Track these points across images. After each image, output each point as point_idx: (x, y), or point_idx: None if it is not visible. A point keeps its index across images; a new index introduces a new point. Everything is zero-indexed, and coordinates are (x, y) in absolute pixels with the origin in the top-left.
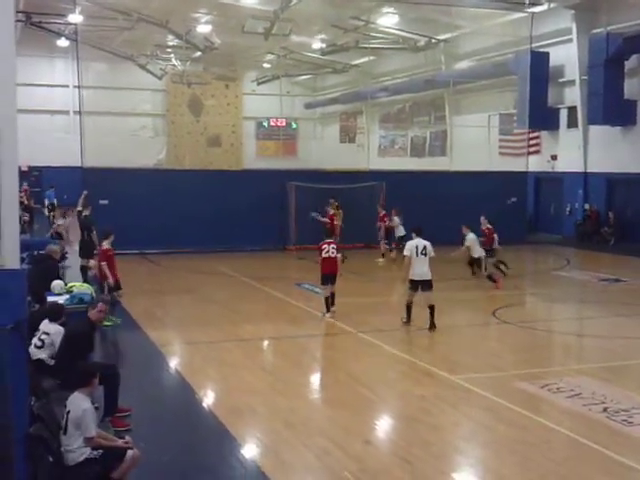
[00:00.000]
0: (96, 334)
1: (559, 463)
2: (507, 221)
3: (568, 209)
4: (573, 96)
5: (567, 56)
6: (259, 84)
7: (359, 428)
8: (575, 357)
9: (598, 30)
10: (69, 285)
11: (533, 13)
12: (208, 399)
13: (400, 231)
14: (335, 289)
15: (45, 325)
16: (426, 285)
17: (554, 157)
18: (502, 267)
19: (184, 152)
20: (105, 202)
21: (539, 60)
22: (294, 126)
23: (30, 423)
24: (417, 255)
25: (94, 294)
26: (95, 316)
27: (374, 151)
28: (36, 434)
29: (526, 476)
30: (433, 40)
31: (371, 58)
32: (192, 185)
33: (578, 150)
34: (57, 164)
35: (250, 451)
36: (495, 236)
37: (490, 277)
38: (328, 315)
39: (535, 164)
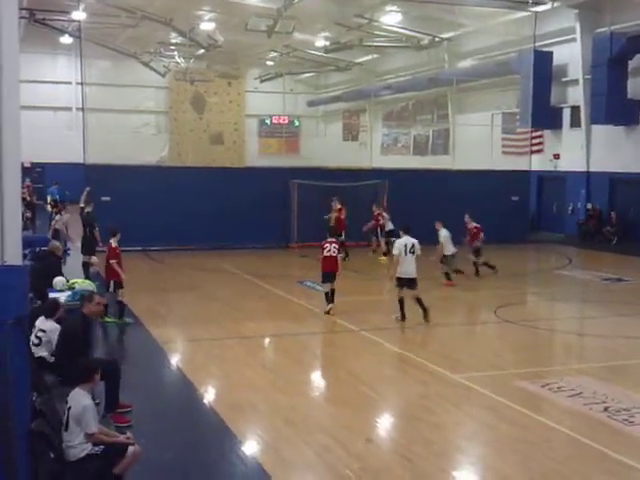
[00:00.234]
0: (97, 329)
1: (560, 462)
2: (509, 220)
3: (570, 208)
4: (576, 95)
5: (570, 55)
6: (262, 82)
7: (360, 426)
8: (576, 356)
9: (602, 29)
10: (71, 282)
11: (537, 12)
12: (209, 396)
13: (388, 226)
14: (335, 287)
15: (41, 322)
16: (412, 283)
17: (557, 156)
18: (490, 264)
19: (187, 149)
20: (107, 199)
21: (542, 59)
22: (297, 124)
23: (32, 419)
24: (405, 254)
25: (96, 291)
26: (93, 309)
27: (377, 149)
28: (38, 430)
29: (527, 475)
30: (436, 38)
31: (374, 56)
32: (194, 182)
33: (581, 149)
34: (60, 160)
35: (251, 448)
36: (481, 235)
37: (448, 275)
38: (330, 306)
39: (538, 163)
